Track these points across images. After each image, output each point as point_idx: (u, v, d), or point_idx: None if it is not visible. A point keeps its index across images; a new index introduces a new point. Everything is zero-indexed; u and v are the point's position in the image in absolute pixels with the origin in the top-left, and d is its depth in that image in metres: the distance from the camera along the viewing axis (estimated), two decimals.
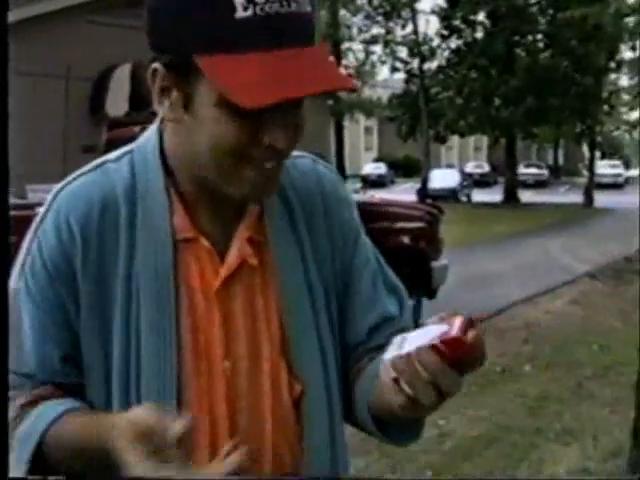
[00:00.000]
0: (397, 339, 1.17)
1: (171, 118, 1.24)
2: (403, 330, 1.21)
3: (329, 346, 1.36)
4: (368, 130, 66.89)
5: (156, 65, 1.21)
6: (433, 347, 1.11)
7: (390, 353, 1.15)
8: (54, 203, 1.30)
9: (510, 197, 38.40)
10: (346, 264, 1.41)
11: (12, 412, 1.25)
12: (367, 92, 48.65)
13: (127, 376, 1.25)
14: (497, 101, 37.13)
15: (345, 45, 45.37)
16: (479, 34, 39.14)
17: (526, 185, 48.86)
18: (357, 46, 45.94)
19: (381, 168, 54.08)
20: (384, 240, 8.45)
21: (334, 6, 42.54)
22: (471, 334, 1.11)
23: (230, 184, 1.23)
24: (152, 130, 1.34)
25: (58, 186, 1.32)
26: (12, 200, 7.33)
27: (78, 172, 1.33)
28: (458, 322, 1.12)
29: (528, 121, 36.78)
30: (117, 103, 13.95)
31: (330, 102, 21.22)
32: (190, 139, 1.23)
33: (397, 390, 1.13)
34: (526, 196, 40.18)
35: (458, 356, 1.11)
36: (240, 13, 1.12)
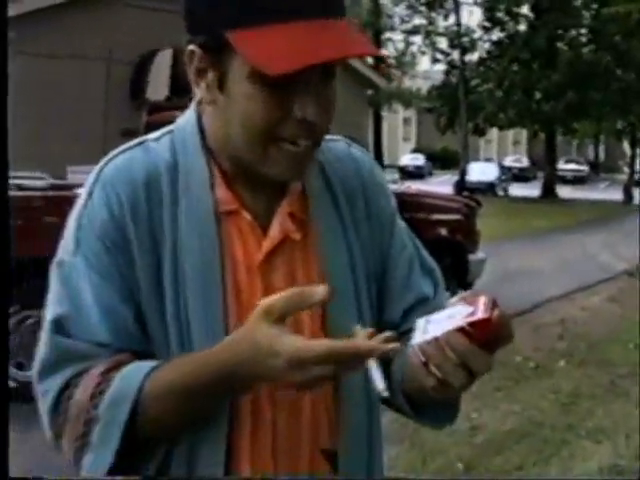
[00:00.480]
0: (420, 322, 1.17)
1: (208, 100, 1.27)
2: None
3: (368, 323, 1.35)
4: (407, 121, 66.82)
5: (192, 47, 1.25)
6: (461, 330, 1.11)
7: (416, 338, 1.15)
8: (100, 179, 1.31)
9: (548, 192, 38.10)
10: (384, 252, 1.43)
11: (90, 381, 1.22)
12: (407, 83, 48.48)
13: (182, 344, 1.26)
14: (538, 95, 36.87)
15: (385, 35, 45.19)
16: (522, 27, 38.86)
17: (565, 181, 48.50)
18: (397, 36, 45.76)
19: (419, 159, 53.96)
20: (421, 231, 8.39)
21: None
22: (496, 313, 1.11)
23: (264, 164, 1.26)
24: (190, 112, 1.37)
25: (102, 162, 1.33)
26: (51, 181, 7.43)
27: (120, 149, 1.35)
28: (482, 303, 1.12)
29: (569, 116, 36.47)
30: (157, 87, 14.00)
31: (369, 92, 21.16)
32: (225, 120, 1.26)
33: (427, 373, 1.15)
34: (565, 192, 39.85)
35: (486, 337, 1.11)
36: None
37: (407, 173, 47.80)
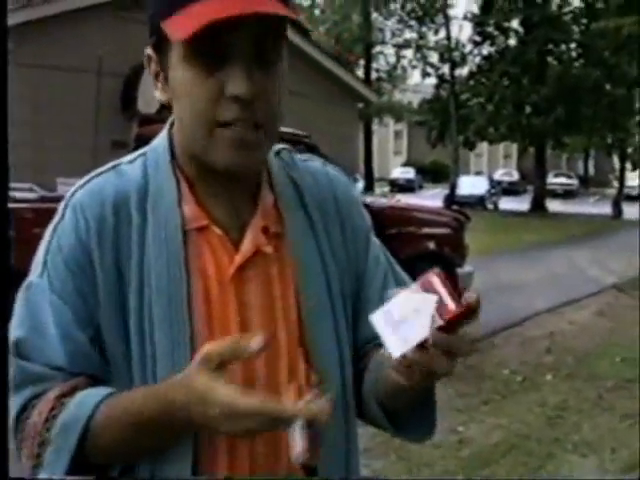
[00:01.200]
0: (379, 318, 1.13)
1: (164, 100, 1.31)
2: None
3: (345, 338, 1.38)
4: (398, 134, 66.93)
5: (148, 50, 1.31)
6: (441, 328, 1.09)
7: (391, 344, 1.11)
8: (71, 202, 1.34)
9: (538, 206, 38.16)
10: (359, 269, 1.45)
11: (44, 405, 1.25)
12: (397, 96, 48.62)
13: (144, 366, 1.27)
14: (528, 109, 37.00)
15: (377, 49, 45.36)
16: (512, 41, 39.05)
17: (555, 195, 48.60)
18: (388, 50, 45.96)
19: (409, 173, 54.04)
20: (409, 245, 8.47)
21: (367, 9, 42.56)
22: (469, 302, 1.09)
23: (209, 151, 1.26)
24: (163, 132, 1.40)
25: (75, 186, 1.36)
26: (41, 193, 7.44)
27: (94, 173, 1.37)
28: (444, 290, 1.10)
29: (558, 130, 36.60)
30: (148, 100, 14.02)
31: (359, 105, 21.22)
32: (177, 114, 1.30)
33: (410, 374, 1.16)
34: (554, 206, 39.93)
35: (462, 322, 1.10)
36: None
37: (398, 186, 47.95)
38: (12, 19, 13.96)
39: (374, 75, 44.64)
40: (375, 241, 1.50)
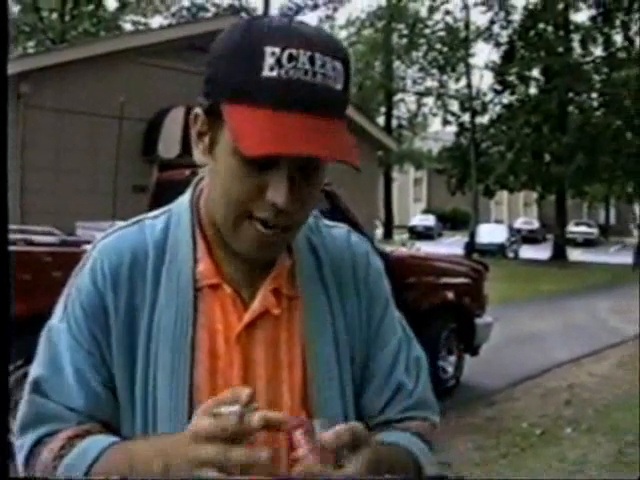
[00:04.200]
0: None
1: (201, 161, 1.33)
2: (418, 402, 1.36)
3: (352, 404, 1.38)
4: (418, 181, 67.14)
5: (197, 110, 1.31)
6: None
7: None
8: (93, 252, 1.39)
9: (559, 255, 38.04)
10: (370, 340, 1.44)
11: (56, 443, 1.31)
12: (418, 144, 48.86)
13: (146, 413, 1.31)
14: (548, 157, 37.04)
15: (398, 96, 45.67)
16: (532, 90, 39.21)
17: (575, 243, 48.44)
18: (409, 98, 46.26)
19: (428, 220, 54.10)
20: (428, 295, 8.40)
21: (388, 57, 42.94)
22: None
23: (233, 238, 1.30)
24: (190, 189, 1.43)
25: (99, 237, 1.42)
26: (61, 236, 7.39)
27: (118, 226, 1.43)
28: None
29: (578, 178, 36.55)
30: (169, 145, 14.12)
31: (380, 153, 21.29)
32: (212, 183, 1.32)
33: None
34: (575, 255, 39.76)
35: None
36: (266, 72, 1.19)
37: (416, 233, 47.99)
38: (36, 62, 14.15)
39: (395, 123, 44.89)
40: (393, 312, 1.49)
